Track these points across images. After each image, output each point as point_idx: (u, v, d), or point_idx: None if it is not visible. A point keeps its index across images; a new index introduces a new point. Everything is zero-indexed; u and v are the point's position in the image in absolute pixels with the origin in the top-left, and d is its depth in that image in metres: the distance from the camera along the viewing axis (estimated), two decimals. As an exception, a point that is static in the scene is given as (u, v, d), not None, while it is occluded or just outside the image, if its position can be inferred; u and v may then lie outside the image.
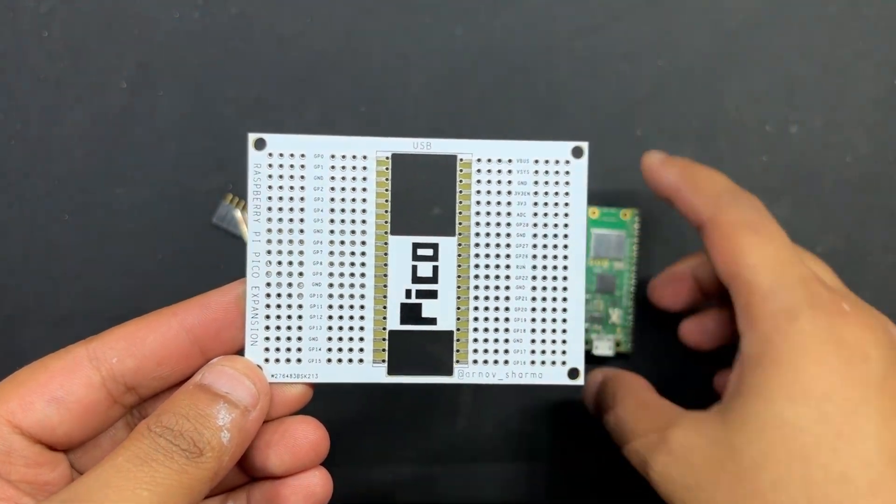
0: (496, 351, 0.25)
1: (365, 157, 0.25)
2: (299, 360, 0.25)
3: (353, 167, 0.25)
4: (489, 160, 0.25)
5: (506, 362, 0.25)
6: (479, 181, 0.25)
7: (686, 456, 0.26)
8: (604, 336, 0.34)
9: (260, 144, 0.25)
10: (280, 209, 0.24)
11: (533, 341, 0.25)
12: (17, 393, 0.23)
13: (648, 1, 0.36)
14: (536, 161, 0.25)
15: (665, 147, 0.36)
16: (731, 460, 0.24)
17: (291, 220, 0.24)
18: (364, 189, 0.25)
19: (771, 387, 0.25)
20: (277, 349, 0.24)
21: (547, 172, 0.25)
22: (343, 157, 0.25)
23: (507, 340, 0.25)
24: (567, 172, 0.25)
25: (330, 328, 0.25)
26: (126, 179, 0.35)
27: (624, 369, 0.32)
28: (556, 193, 0.25)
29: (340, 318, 0.25)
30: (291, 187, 0.24)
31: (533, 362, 0.25)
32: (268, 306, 0.24)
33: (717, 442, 0.25)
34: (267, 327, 0.24)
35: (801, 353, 0.24)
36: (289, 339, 0.24)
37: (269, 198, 0.24)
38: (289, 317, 0.24)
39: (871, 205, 0.36)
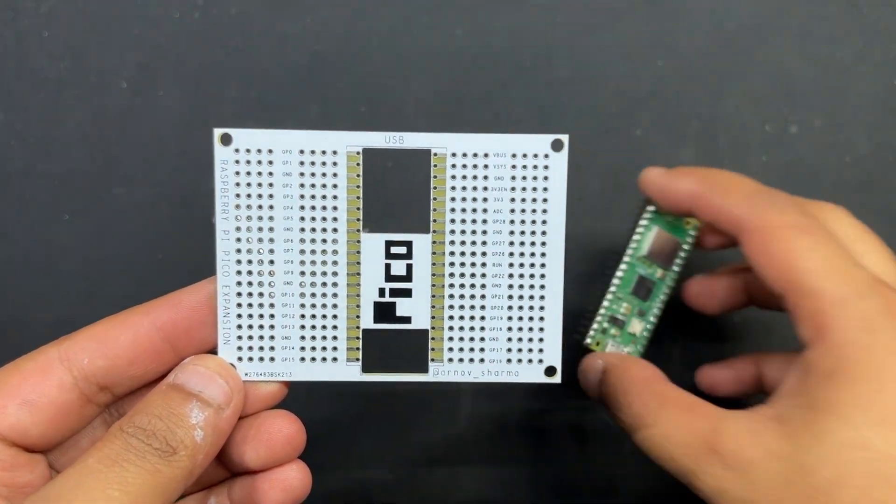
0: (472, 349, 0.25)
1: (335, 153, 0.24)
2: (272, 359, 0.24)
3: (323, 163, 0.24)
4: (464, 154, 0.24)
5: (482, 360, 0.25)
6: (453, 176, 0.24)
7: (744, 470, 0.24)
8: (618, 345, 0.32)
9: (226, 140, 0.24)
10: (249, 206, 0.24)
11: (510, 339, 0.25)
12: None
13: (648, 1, 0.36)
14: (514, 155, 0.24)
15: (665, 147, 0.36)
16: (801, 479, 0.23)
17: (261, 217, 0.24)
18: (335, 185, 0.24)
19: (849, 406, 0.23)
20: (250, 348, 0.24)
21: (525, 167, 0.24)
22: (312, 152, 0.24)
23: (482, 339, 0.25)
24: (546, 167, 0.24)
25: (303, 327, 0.24)
26: (126, 179, 0.35)
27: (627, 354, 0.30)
28: (535, 189, 0.24)
29: (313, 316, 0.24)
30: (260, 184, 0.24)
31: (510, 360, 0.25)
32: (239, 305, 0.24)
33: (783, 458, 0.23)
34: (239, 326, 0.24)
35: (882, 371, 0.23)
36: (261, 337, 0.24)
37: (238, 195, 0.24)
38: (261, 315, 0.24)
39: (871, 205, 0.36)
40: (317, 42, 0.36)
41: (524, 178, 0.24)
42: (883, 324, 0.23)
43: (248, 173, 0.24)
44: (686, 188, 0.28)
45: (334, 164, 0.24)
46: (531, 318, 0.25)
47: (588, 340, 0.30)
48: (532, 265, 0.25)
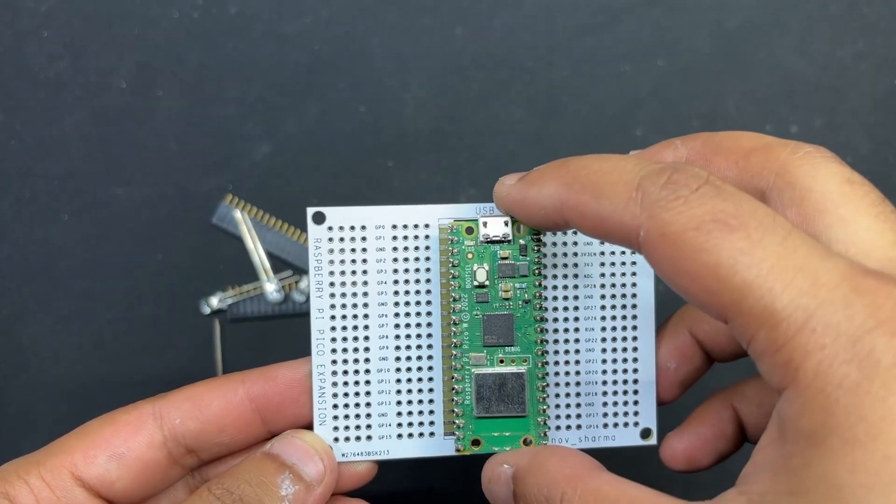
0: (569, 416, 0.25)
1: (427, 226, 0.24)
2: (369, 438, 0.24)
3: (416, 236, 0.24)
4: None
5: (578, 427, 0.25)
6: (545, 244, 0.24)
7: None
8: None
9: (319, 218, 0.23)
10: (343, 283, 0.24)
11: (605, 404, 0.25)
12: (82, 445, 0.23)
13: (648, 1, 0.36)
14: None
15: (665, 147, 0.36)
16: None
17: (355, 293, 0.24)
18: (427, 258, 0.24)
19: (849, 489, 0.15)
20: (346, 427, 0.24)
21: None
22: (405, 226, 0.24)
23: (579, 405, 0.25)
24: None
25: (399, 402, 0.24)
26: (126, 179, 0.35)
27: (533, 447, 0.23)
28: (623, 252, 0.25)
29: (409, 391, 0.24)
30: (353, 260, 0.24)
31: (605, 425, 0.25)
32: (335, 384, 0.24)
33: None
34: (335, 405, 0.24)
35: (890, 420, 0.15)
36: (357, 416, 0.24)
37: (332, 272, 0.23)
38: (356, 394, 0.24)
39: (871, 205, 0.36)
40: (317, 42, 0.36)
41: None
42: (876, 342, 0.15)
43: (342, 250, 0.24)
44: (550, 198, 0.20)
45: (426, 237, 0.24)
46: (625, 382, 0.25)
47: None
48: (624, 328, 0.25)
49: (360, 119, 0.36)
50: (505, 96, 0.36)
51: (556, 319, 0.25)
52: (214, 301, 0.35)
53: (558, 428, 0.25)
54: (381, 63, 0.36)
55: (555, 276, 0.25)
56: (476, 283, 0.23)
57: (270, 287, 0.35)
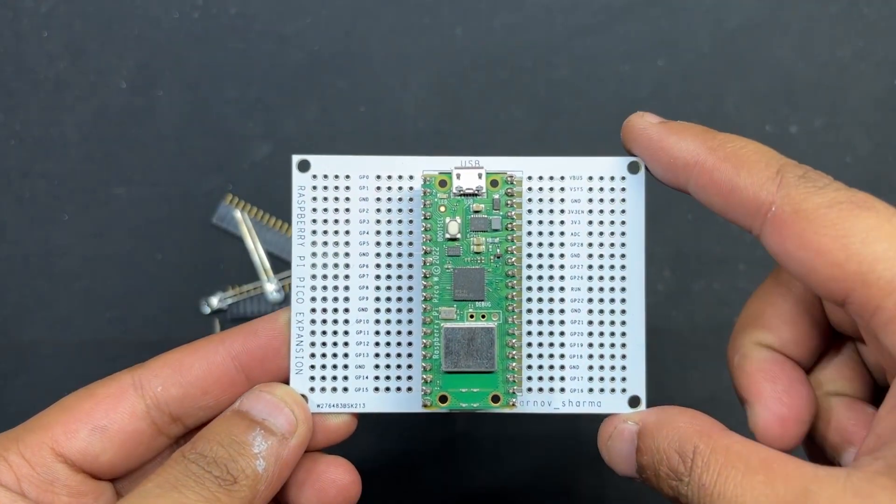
0: (552, 378, 0.24)
1: (411, 177, 0.24)
2: (346, 389, 0.24)
3: (400, 188, 0.24)
4: (540, 178, 0.24)
5: (562, 390, 0.24)
6: (530, 199, 0.24)
7: None
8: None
9: (304, 166, 0.24)
10: (325, 232, 0.24)
11: (591, 367, 0.24)
12: (61, 420, 0.22)
13: (648, 1, 0.36)
14: (591, 178, 0.24)
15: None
16: None
17: (337, 243, 0.24)
18: (411, 210, 0.24)
19: None
20: (323, 377, 0.24)
21: (602, 189, 0.24)
22: (389, 177, 0.24)
23: (563, 367, 0.24)
24: (623, 189, 0.24)
25: (377, 355, 0.24)
26: (126, 179, 0.35)
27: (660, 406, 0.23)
28: (612, 211, 0.24)
29: (388, 344, 0.24)
30: (336, 209, 0.24)
31: (591, 390, 0.24)
32: (313, 333, 0.24)
33: None
34: (312, 355, 0.24)
35: None
36: (335, 366, 0.24)
37: (314, 220, 0.24)
38: (335, 343, 0.24)
39: (871, 205, 0.36)
40: (317, 42, 0.36)
41: (601, 200, 0.24)
42: None
43: (325, 199, 0.24)
44: (687, 152, 0.21)
45: (410, 188, 0.24)
46: (612, 345, 0.24)
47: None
48: (612, 289, 0.24)
49: (360, 119, 0.36)
50: (505, 96, 0.36)
51: (540, 277, 0.24)
52: (214, 301, 0.35)
53: (540, 390, 0.24)
54: (381, 63, 0.36)
55: (540, 234, 0.24)
56: (448, 237, 0.23)
57: (270, 287, 0.35)
